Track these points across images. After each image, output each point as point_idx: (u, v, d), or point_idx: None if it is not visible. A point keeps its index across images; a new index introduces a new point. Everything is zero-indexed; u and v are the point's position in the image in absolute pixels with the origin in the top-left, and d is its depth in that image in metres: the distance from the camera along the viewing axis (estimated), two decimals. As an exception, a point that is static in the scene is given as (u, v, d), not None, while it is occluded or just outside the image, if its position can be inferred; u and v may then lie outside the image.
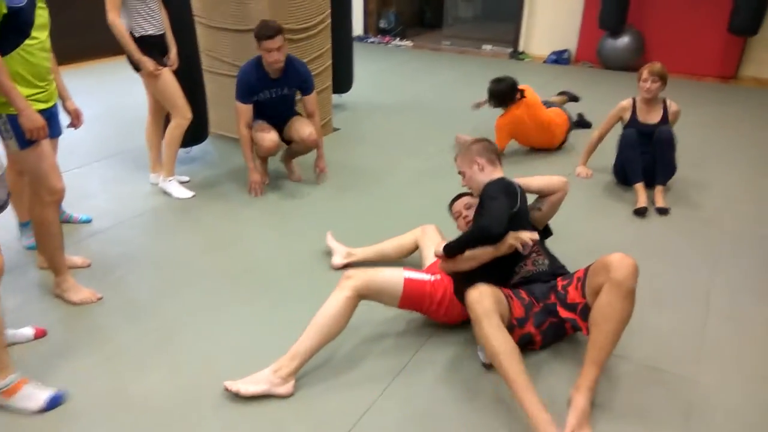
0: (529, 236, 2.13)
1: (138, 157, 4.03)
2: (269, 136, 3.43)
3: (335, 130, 4.77)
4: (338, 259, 2.75)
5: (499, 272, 2.23)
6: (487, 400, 1.99)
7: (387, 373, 2.11)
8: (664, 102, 3.55)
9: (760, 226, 3.23)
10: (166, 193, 3.52)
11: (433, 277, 2.26)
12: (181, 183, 3.63)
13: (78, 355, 2.17)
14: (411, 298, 2.21)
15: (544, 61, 7.63)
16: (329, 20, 4.42)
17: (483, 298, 1.92)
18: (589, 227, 3.21)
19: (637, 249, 2.92)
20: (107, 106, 5.33)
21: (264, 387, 1.97)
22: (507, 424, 1.89)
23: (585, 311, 2.03)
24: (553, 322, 2.15)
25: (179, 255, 2.88)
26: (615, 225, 3.26)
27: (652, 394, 2.03)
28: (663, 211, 3.35)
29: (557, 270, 2.29)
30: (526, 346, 2.14)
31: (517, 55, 7.84)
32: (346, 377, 2.08)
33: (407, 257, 2.74)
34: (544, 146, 4.30)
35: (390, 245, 2.73)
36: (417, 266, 2.51)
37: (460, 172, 2.46)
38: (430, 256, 2.54)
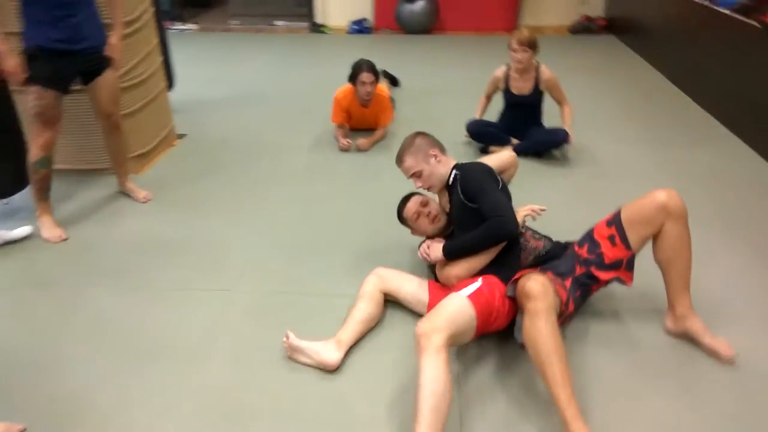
0: (538, 207, 2.09)
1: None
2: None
3: (181, 136, 4.09)
4: (333, 354, 2.01)
5: (511, 256, 2.11)
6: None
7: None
8: (537, 70, 3.58)
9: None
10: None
11: (481, 281, 1.98)
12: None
13: None
14: (484, 319, 1.90)
15: (348, 32, 7.53)
16: (152, 9, 3.71)
17: (546, 292, 1.78)
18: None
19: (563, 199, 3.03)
20: None
21: None
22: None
23: (630, 262, 2.06)
24: (583, 290, 2.09)
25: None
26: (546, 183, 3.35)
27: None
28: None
29: (559, 242, 2.25)
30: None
31: (317, 28, 7.60)
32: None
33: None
34: (371, 127, 4.14)
35: (366, 308, 2.16)
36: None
37: (413, 174, 2.25)
38: (416, 291, 2.23)
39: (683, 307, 2.09)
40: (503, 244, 2.07)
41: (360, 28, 7.48)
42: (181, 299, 2.38)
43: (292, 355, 2.05)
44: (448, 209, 2.31)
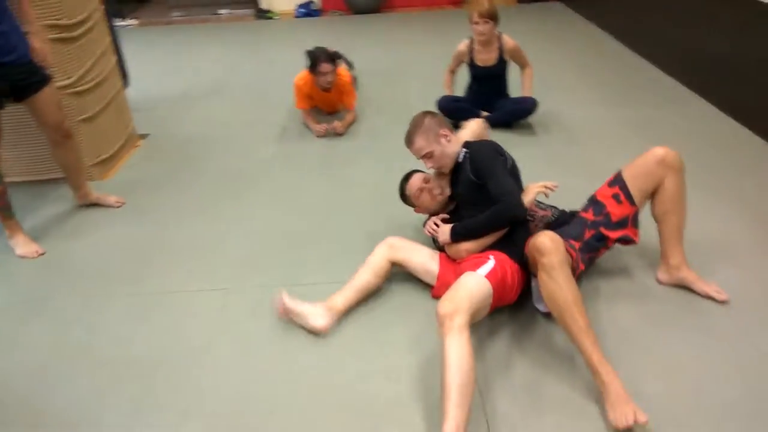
0: (551, 183, 2.13)
1: None
2: None
3: (143, 136, 3.95)
4: (320, 321, 2.07)
5: (518, 233, 2.14)
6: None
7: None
8: (500, 40, 3.59)
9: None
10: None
11: (494, 260, 2.00)
12: None
13: None
14: (498, 296, 1.94)
15: (296, 16, 7.39)
16: (102, 7, 3.54)
17: (558, 247, 1.82)
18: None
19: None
20: None
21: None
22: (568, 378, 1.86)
23: (635, 219, 2.15)
24: (592, 252, 2.15)
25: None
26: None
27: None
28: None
29: (565, 210, 2.29)
30: None
31: (263, 15, 7.43)
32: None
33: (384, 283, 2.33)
34: (335, 111, 4.12)
35: (367, 276, 2.21)
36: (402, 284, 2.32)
37: (425, 155, 2.25)
38: (426, 261, 2.26)
39: (677, 258, 2.18)
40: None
41: (307, 11, 7.35)
42: (177, 303, 2.32)
43: (284, 315, 2.13)
44: (448, 189, 2.32)
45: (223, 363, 2.01)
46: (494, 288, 1.90)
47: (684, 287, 2.20)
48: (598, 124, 3.73)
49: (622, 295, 2.21)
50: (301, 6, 7.38)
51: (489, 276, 1.92)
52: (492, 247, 2.11)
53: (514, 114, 3.69)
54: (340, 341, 2.08)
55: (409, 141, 2.28)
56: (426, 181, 2.38)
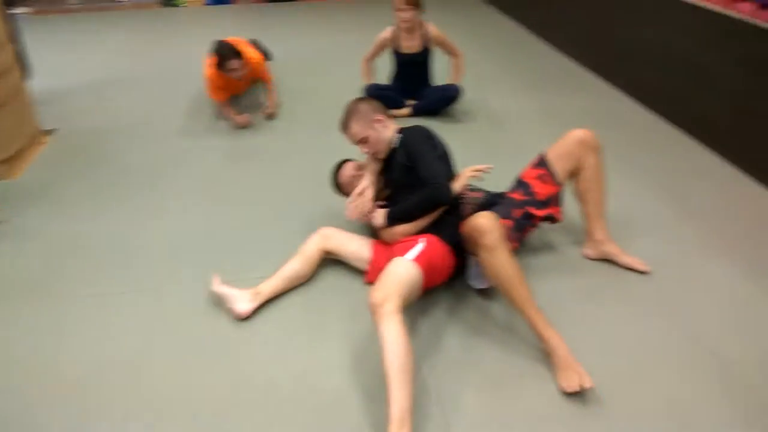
0: (484, 166, 2.19)
1: None
2: None
3: (50, 131, 3.68)
4: (244, 306, 2.09)
5: (450, 215, 2.19)
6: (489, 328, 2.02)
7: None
8: (423, 27, 3.62)
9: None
10: None
11: (423, 243, 2.04)
12: None
13: None
14: (428, 278, 1.98)
15: (206, 3, 7.13)
16: (-4, -8, 3.26)
17: (496, 226, 1.88)
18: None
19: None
20: None
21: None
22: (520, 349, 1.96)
23: (559, 198, 2.26)
24: (521, 231, 2.23)
25: None
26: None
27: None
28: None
29: (490, 192, 2.37)
30: None
31: (170, 2, 7.10)
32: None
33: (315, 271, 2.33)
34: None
35: (296, 265, 2.22)
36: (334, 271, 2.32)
37: (360, 141, 2.27)
38: (359, 248, 2.28)
39: (601, 234, 2.33)
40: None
41: (218, -1, 7.11)
42: (104, 307, 2.19)
43: (214, 298, 2.16)
44: (379, 175, 2.34)
45: (161, 367, 1.92)
46: (423, 271, 1.94)
47: (609, 261, 2.34)
48: (518, 111, 3.87)
49: (552, 271, 2.32)
50: (211, -7, 7.12)
51: (417, 259, 1.95)
52: (425, 230, 2.15)
53: (440, 101, 3.76)
54: (280, 334, 2.05)
55: (345, 126, 2.28)
56: (358, 168, 2.39)
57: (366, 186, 2.31)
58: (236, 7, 7.08)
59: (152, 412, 1.76)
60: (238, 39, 3.91)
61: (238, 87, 3.88)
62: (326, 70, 4.76)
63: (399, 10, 3.50)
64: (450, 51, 3.76)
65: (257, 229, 2.66)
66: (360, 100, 2.31)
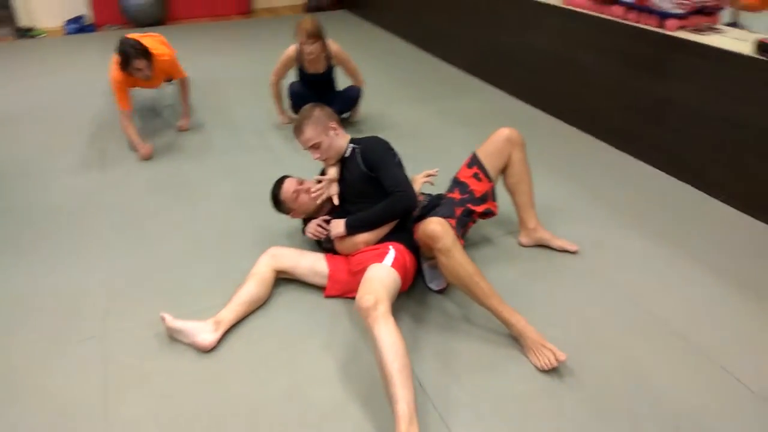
0: (433, 171, 2.29)
1: None
2: None
3: None
4: (208, 336, 2.01)
5: (407, 221, 2.27)
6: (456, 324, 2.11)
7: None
8: (327, 48, 3.60)
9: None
10: None
11: (394, 250, 2.10)
12: None
13: None
14: (406, 281, 2.07)
15: (66, 33, 6.63)
16: None
17: (448, 230, 1.96)
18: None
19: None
20: None
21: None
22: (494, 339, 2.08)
23: (494, 193, 2.41)
24: (464, 227, 2.35)
25: None
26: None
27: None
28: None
29: (431, 194, 2.46)
30: None
31: (26, 33, 6.52)
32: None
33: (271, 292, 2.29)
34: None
35: (252, 288, 2.16)
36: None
37: (312, 146, 2.28)
38: (313, 263, 2.28)
39: (533, 222, 2.52)
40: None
41: (79, 26, 6.65)
42: (46, 365, 1.99)
43: (171, 335, 2.06)
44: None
45: (135, 413, 1.79)
46: (401, 275, 2.01)
47: (542, 246, 2.54)
48: (418, 118, 4.04)
49: (494, 261, 2.47)
50: (70, 21, 6.64)
51: (394, 265, 2.02)
52: (387, 237, 2.20)
53: (347, 103, 3.84)
54: (253, 358, 2.00)
55: (299, 131, 2.29)
56: (300, 182, 2.39)
57: (332, 179, 2.33)
58: (101, 34, 6.66)
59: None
60: (149, 34, 3.68)
61: (147, 83, 3.64)
62: (227, 91, 4.65)
63: (303, 43, 3.46)
64: (351, 75, 3.84)
65: (193, 259, 2.55)
66: (315, 106, 2.33)
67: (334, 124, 2.31)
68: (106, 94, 4.48)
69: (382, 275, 1.94)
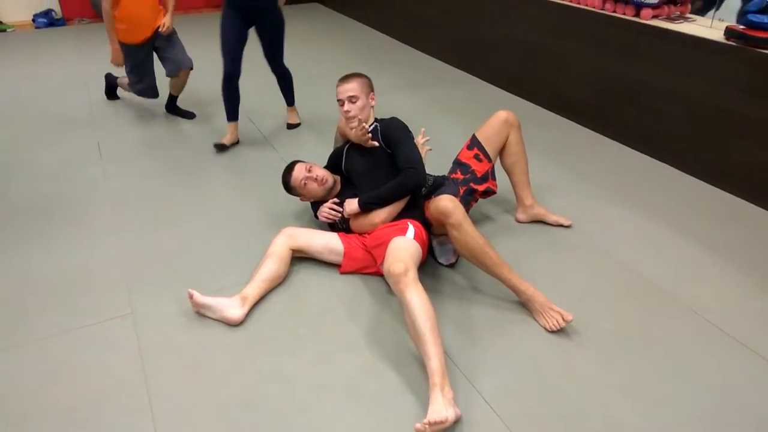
0: (422, 131, 2.54)
1: None
2: None
3: None
4: (236, 311, 2.10)
5: (419, 199, 2.41)
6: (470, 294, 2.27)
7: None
8: None
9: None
10: None
11: (413, 226, 2.24)
12: None
13: None
14: (423, 254, 2.20)
15: (36, 27, 6.50)
16: None
17: (458, 205, 2.11)
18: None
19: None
20: None
21: None
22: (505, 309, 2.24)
23: (493, 173, 2.57)
24: (467, 205, 2.50)
25: None
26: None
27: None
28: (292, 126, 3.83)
29: (433, 175, 2.61)
30: None
31: (-8, 27, 6.38)
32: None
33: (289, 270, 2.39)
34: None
35: (272, 266, 2.26)
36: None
37: (351, 97, 2.40)
38: (328, 241, 2.39)
39: (530, 199, 2.69)
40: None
41: (49, 20, 6.53)
42: (82, 341, 2.06)
43: (199, 311, 2.15)
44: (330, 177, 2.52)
45: (175, 384, 1.89)
46: (422, 248, 2.17)
47: (538, 221, 2.72)
48: (405, 107, 4.17)
49: (496, 236, 2.63)
50: (38, 15, 6.51)
51: (416, 238, 2.18)
52: (402, 215, 2.34)
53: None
54: (282, 331, 2.10)
55: (347, 79, 2.44)
56: (308, 170, 2.49)
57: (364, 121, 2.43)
58: (71, 28, 6.56)
59: (179, 419, 1.73)
60: None
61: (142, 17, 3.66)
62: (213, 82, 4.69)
63: None
64: None
65: (208, 241, 2.63)
66: (364, 75, 2.50)
67: (373, 96, 2.50)
68: (86, 87, 4.48)
69: (407, 245, 2.09)
